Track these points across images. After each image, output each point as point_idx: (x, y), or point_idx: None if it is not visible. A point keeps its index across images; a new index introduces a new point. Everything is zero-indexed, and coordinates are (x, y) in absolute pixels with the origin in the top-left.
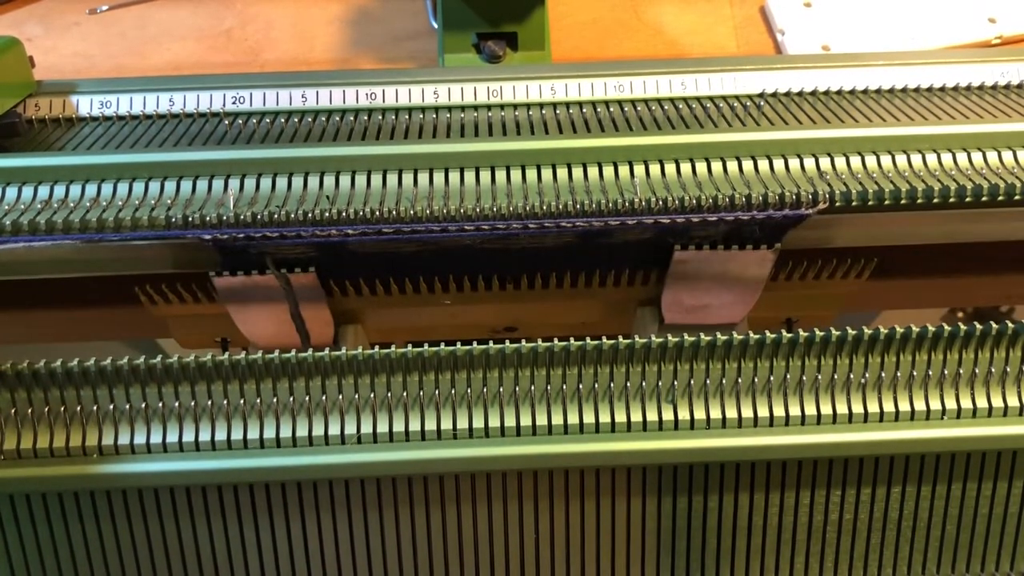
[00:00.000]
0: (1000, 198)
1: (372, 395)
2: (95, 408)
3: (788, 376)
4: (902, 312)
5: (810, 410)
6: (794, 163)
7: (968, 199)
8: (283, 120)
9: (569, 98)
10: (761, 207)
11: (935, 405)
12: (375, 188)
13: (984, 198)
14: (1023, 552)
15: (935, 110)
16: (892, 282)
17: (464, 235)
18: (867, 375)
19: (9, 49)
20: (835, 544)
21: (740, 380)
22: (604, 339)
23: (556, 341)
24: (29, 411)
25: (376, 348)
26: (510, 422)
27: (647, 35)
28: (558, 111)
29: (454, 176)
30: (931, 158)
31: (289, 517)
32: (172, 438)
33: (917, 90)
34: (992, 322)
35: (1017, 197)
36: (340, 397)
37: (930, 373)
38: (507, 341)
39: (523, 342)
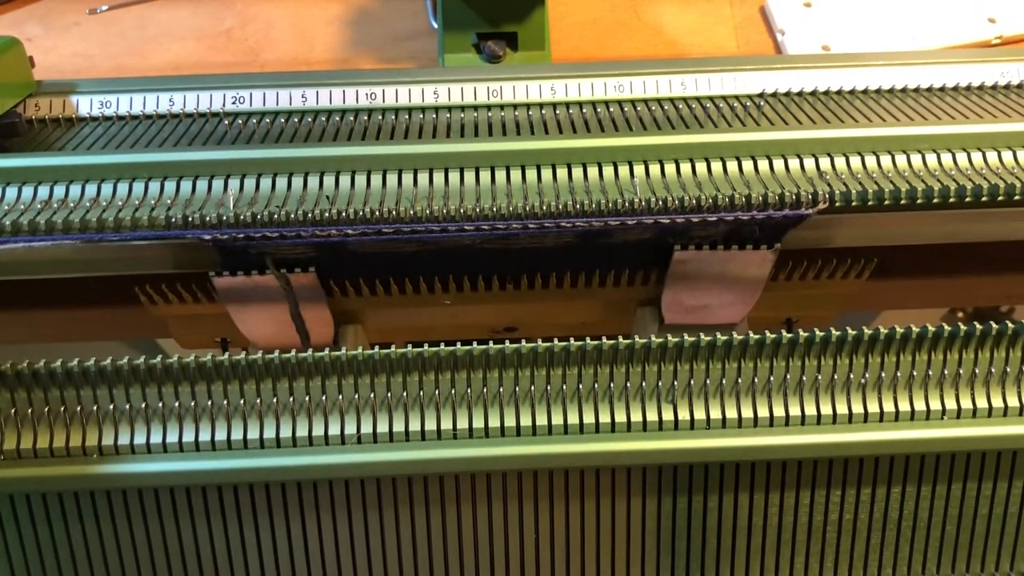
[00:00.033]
0: (1000, 198)
1: (372, 395)
2: (95, 408)
3: (788, 376)
4: (902, 312)
5: (810, 410)
6: (794, 163)
7: (968, 199)
8: (283, 120)
9: (569, 98)
10: (761, 207)
11: (935, 405)
12: (375, 188)
13: (984, 198)
14: (1023, 552)
15: (935, 110)
16: (892, 282)
17: (464, 235)
18: (867, 375)
19: (9, 49)
20: (835, 544)
21: (740, 380)
22: (604, 339)
23: (556, 341)
24: (29, 411)
25: (376, 348)
26: (510, 422)
27: (647, 35)
28: (558, 111)
29: (454, 176)
30: (931, 158)
31: (289, 517)
32: (172, 438)
33: (917, 90)
34: (992, 322)
35: (1017, 197)
36: (340, 397)
37: (930, 373)
38: (507, 341)
39: (523, 342)
